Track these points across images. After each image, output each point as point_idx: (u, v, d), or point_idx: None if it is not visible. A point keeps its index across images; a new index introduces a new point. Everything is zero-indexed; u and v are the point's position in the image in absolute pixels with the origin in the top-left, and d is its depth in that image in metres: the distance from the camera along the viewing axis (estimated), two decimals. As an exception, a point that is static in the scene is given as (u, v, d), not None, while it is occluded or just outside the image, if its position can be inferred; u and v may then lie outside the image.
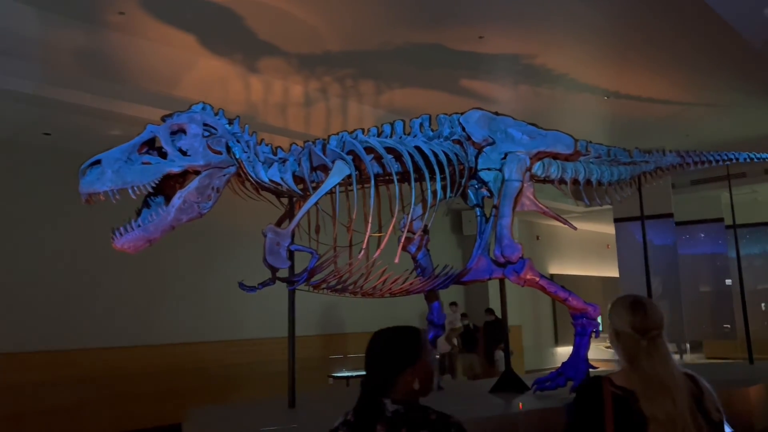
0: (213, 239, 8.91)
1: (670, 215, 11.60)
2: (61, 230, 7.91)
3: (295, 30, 6.30)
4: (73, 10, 5.65)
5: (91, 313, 8.01)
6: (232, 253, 8.77)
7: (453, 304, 11.48)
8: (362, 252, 5.09)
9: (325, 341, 9.42)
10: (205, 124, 4.67)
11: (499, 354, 10.84)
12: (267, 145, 5.14)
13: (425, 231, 6.08)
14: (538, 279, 5.53)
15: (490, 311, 11.41)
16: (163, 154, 4.49)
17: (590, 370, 5.75)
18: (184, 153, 4.53)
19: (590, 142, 6.21)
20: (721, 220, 12.20)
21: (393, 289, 5.28)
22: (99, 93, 6.36)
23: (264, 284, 4.96)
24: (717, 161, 7.45)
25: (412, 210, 5.26)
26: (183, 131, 4.62)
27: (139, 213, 4.48)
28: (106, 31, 6.02)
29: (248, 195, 5.27)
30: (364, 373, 1.90)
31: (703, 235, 12.52)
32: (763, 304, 13.69)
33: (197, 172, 4.62)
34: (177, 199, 4.51)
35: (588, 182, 6.21)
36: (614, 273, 12.74)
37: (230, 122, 5.03)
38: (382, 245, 5.14)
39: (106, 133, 7.05)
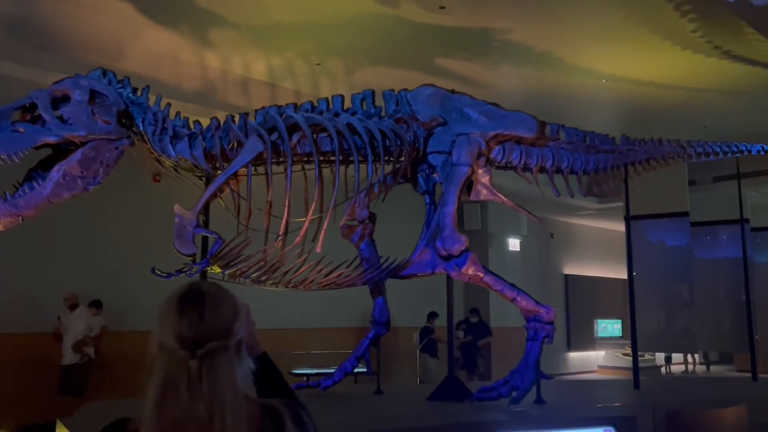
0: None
1: (686, 214, 10.68)
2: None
3: (235, -3, 5.82)
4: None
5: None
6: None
7: (94, 303, 8.22)
8: (278, 239, 4.63)
9: (284, 336, 8.91)
10: (93, 91, 4.25)
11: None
12: (183, 118, 4.70)
13: (371, 219, 5.57)
14: (482, 275, 5.00)
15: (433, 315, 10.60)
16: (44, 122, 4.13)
17: (542, 379, 5.15)
18: (64, 121, 4.12)
19: (563, 125, 5.57)
20: (747, 221, 11.18)
21: (318, 281, 4.80)
22: (34, 64, 6.01)
23: (181, 271, 4.55)
24: (725, 153, 6.67)
25: (335, 194, 4.75)
26: (68, 98, 4.21)
27: (18, 188, 4.14)
28: (32, -3, 5.67)
29: (165, 173, 4.85)
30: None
31: (725, 237, 11.55)
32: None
33: (83, 144, 4.22)
34: (56, 173, 4.13)
35: (557, 170, 5.58)
36: (639, 275, 11.87)
37: (136, 91, 4.61)
38: (303, 232, 4.65)
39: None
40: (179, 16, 6.24)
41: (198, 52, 6.83)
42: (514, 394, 4.79)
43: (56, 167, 4.10)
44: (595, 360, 15.58)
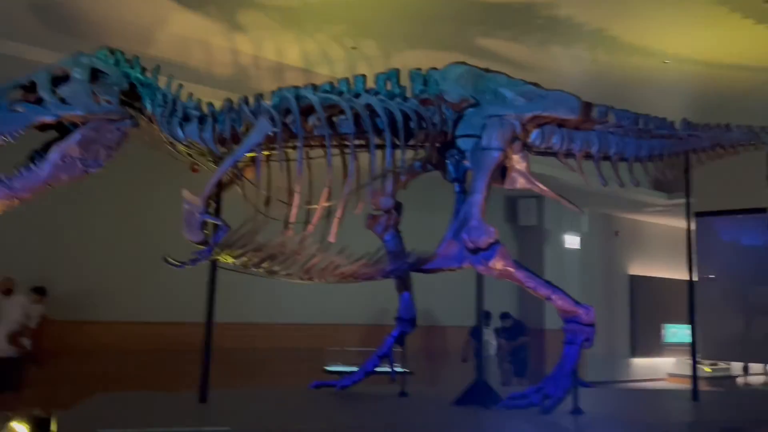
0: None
1: (763, 210, 9.72)
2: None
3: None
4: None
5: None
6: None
7: (36, 290, 7.59)
8: (289, 227, 4.36)
9: (319, 330, 8.64)
10: (94, 69, 4.06)
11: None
12: (195, 100, 4.47)
13: (396, 208, 5.22)
14: (513, 270, 4.56)
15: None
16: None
17: (580, 387, 4.65)
18: (63, 100, 3.95)
19: (611, 107, 5.04)
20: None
21: (336, 272, 4.49)
22: (60, 49, 5.94)
23: (193, 260, 4.33)
24: (807, 141, 5.90)
25: (348, 180, 4.40)
26: (69, 76, 4.04)
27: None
28: (56, -20, 5.60)
29: (178, 158, 4.64)
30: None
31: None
32: None
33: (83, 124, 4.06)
34: (54, 154, 3.97)
35: (605, 157, 5.06)
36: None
37: (146, 71, 4.41)
38: (315, 220, 4.35)
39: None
40: (205, -2, 6.06)
41: (228, 36, 6.63)
42: (546, 402, 4.32)
43: (54, 148, 3.94)
44: (664, 367, 14.60)
